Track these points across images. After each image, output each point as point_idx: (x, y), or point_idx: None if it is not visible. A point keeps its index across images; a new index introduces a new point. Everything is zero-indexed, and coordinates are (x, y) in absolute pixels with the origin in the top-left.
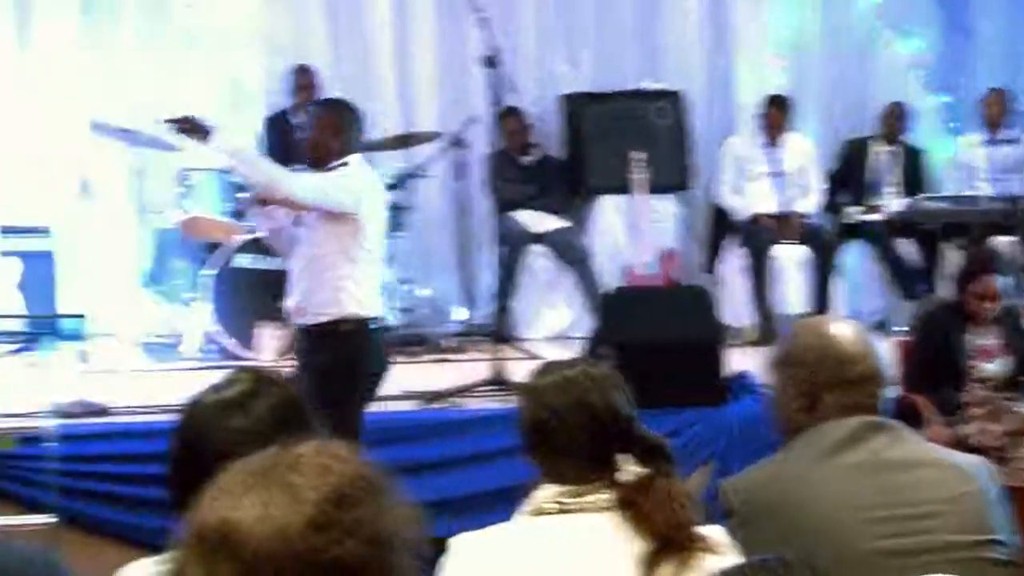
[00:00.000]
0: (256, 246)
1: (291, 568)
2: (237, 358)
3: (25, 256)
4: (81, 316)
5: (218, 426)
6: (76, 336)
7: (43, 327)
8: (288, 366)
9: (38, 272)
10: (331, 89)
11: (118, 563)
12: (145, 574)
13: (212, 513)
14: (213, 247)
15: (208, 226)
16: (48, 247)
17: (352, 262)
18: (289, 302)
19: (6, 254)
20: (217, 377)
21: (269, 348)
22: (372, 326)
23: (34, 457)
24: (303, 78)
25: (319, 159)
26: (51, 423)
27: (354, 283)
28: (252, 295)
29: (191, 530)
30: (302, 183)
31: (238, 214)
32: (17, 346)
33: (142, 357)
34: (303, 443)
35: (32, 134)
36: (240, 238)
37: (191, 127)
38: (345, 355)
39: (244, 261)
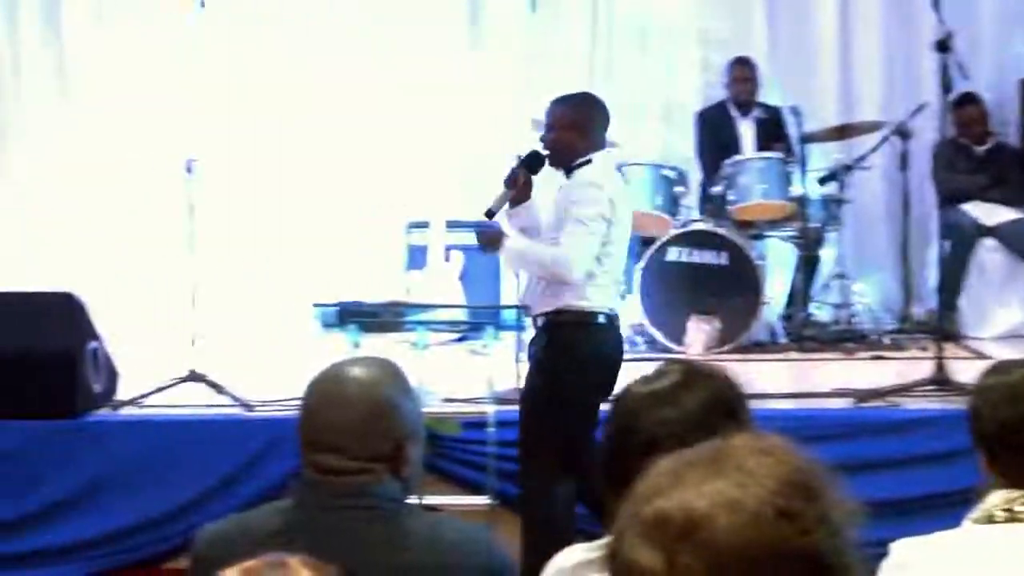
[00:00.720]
0: (687, 239)
1: (759, 557)
2: (666, 350)
3: (467, 249)
4: (524, 308)
5: (647, 417)
6: (516, 326)
7: (485, 317)
8: (716, 359)
9: (481, 265)
10: (769, 81)
11: None
12: (578, 559)
13: (667, 502)
14: (646, 241)
15: (641, 220)
16: None
17: None
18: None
19: (450, 248)
20: (647, 369)
21: (698, 341)
22: (598, 320)
23: (474, 441)
24: (741, 70)
25: (561, 159)
26: (490, 409)
27: None
28: (682, 288)
29: (640, 519)
30: (572, 262)
31: (489, 214)
32: (460, 335)
33: None
34: (737, 435)
35: (479, 131)
36: (673, 231)
37: (487, 240)
38: (563, 349)
39: (675, 254)
